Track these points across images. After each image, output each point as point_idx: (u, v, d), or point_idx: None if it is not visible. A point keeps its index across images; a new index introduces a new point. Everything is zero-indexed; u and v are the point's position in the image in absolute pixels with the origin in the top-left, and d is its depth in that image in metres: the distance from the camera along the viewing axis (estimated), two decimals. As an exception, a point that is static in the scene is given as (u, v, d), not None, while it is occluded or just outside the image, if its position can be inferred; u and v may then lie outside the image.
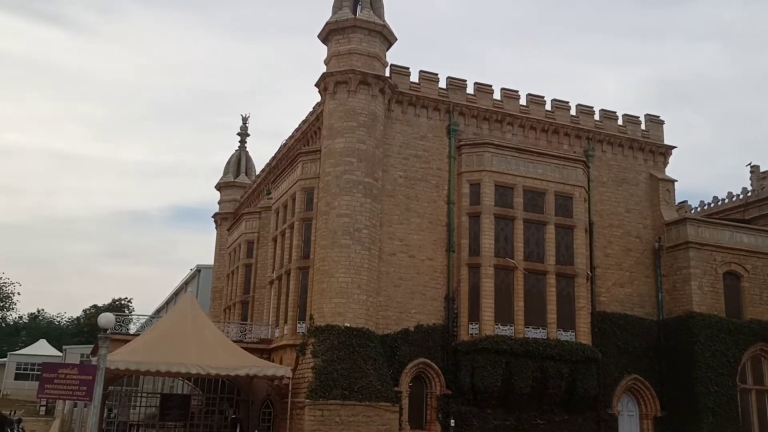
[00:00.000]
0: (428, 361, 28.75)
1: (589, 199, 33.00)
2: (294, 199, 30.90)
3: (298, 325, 29.06)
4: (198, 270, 55.28)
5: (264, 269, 35.91)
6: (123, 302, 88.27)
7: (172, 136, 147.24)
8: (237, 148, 50.81)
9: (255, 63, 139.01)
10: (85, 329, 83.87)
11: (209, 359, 25.71)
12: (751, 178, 43.29)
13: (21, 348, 73.88)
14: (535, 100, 33.41)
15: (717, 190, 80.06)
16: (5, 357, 68.10)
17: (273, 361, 29.41)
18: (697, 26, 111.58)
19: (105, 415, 30.90)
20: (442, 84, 31.88)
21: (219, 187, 50.29)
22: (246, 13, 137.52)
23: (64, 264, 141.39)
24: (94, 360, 25.56)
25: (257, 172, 46.68)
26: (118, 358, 24.96)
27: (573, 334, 30.25)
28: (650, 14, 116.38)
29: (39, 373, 19.64)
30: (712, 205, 42.70)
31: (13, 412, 39.23)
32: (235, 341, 29.18)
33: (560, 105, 33.87)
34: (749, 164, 44.06)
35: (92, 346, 39.24)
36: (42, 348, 68.95)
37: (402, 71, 31.31)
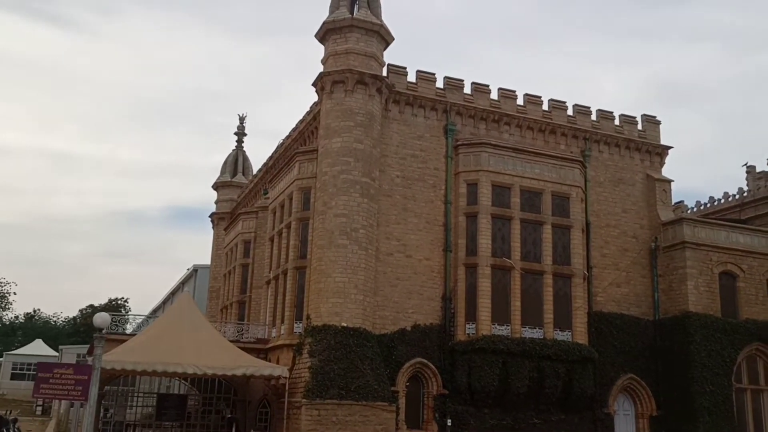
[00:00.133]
0: (425, 361, 28.76)
1: (586, 199, 33.05)
2: (291, 199, 30.89)
3: (295, 324, 29.07)
4: (195, 270, 55.18)
5: (261, 269, 35.90)
6: (119, 302, 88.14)
7: (170, 136, 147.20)
8: (234, 148, 50.80)
9: (253, 63, 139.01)
10: (82, 329, 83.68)
11: (206, 359, 25.69)
12: (747, 179, 43.43)
13: (17, 348, 73.77)
14: (532, 100, 33.45)
15: (715, 191, 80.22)
16: (1, 357, 67.98)
17: (270, 361, 29.41)
18: (696, 26, 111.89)
19: (101, 415, 30.82)
20: (440, 84, 31.91)
21: (216, 186, 50.26)
22: (244, 13, 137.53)
23: (61, 264, 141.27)
24: (90, 360, 25.52)
25: (254, 172, 46.66)
26: (114, 357, 24.94)
27: (570, 333, 30.30)
28: (649, 14, 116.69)
29: (35, 372, 19.58)
30: (709, 205, 42.81)
31: (8, 412, 39.15)
32: (231, 341, 29.17)
33: (557, 105, 33.91)
34: (745, 164, 44.23)
35: (88, 346, 39.15)
36: (38, 348, 68.85)
37: (399, 71, 31.33)
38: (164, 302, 67.82)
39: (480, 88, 32.52)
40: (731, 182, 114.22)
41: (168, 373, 26.34)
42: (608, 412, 31.21)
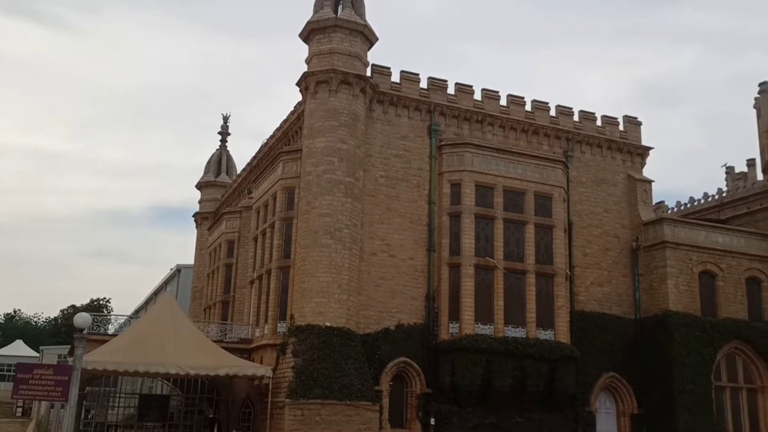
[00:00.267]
0: (409, 360, 28.85)
1: (569, 199, 33.30)
2: (275, 199, 30.85)
3: (279, 324, 29.02)
4: (178, 270, 54.90)
5: (244, 269, 35.81)
6: (101, 302, 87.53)
7: (154, 135, 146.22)
8: (218, 148, 50.62)
9: (238, 62, 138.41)
10: (63, 329, 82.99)
11: (189, 359, 25.57)
12: (726, 179, 44.04)
13: (-3, 349, 72.99)
14: (516, 100, 33.65)
15: (697, 191, 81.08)
16: (-19, 358, 67.26)
17: (253, 361, 29.33)
18: (682, 29, 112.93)
19: (82, 416, 30.60)
20: (423, 84, 32.01)
21: (199, 186, 50.04)
22: (230, 13, 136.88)
23: (43, 263, 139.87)
24: (70, 360, 25.32)
25: (238, 172, 46.55)
26: (96, 358, 24.75)
27: (552, 332, 30.52)
28: (636, 16, 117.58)
29: (15, 374, 19.41)
30: (689, 205, 43.31)
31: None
32: (215, 341, 29.05)
33: (540, 106, 34.14)
34: (725, 165, 44.86)
35: (70, 346, 38.81)
36: (18, 348, 68.23)
37: (383, 71, 31.39)
38: (147, 302, 67.39)
39: (463, 89, 32.67)
40: (713, 183, 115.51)
41: (150, 373, 26.19)
42: (590, 411, 31.48)
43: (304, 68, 30.29)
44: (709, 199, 41.98)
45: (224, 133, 50.27)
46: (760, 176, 39.57)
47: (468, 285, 29.63)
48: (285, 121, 35.59)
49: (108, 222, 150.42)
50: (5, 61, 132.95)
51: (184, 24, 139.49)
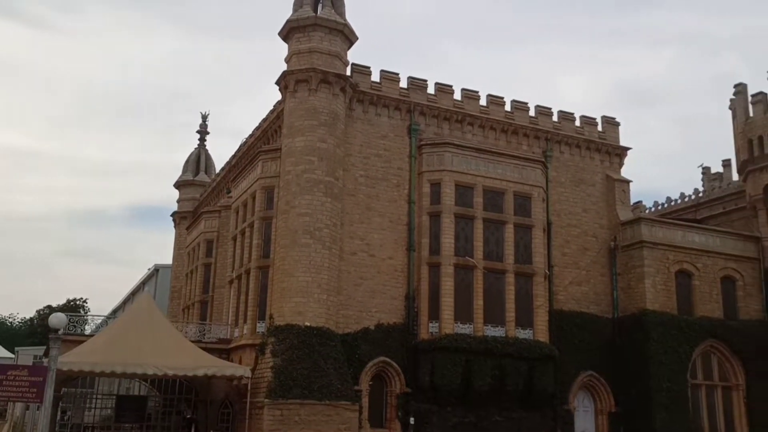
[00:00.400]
0: (388, 360, 28.85)
1: (548, 199, 33.50)
2: (254, 198, 30.69)
3: (258, 324, 28.89)
4: (156, 269, 54.47)
5: (223, 268, 35.60)
6: (78, 302, 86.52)
7: (132, 134, 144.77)
8: (196, 147, 50.28)
9: (217, 61, 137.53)
10: (39, 330, 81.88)
11: (166, 359, 25.36)
12: (702, 180, 44.61)
13: (-29, 350, 71.79)
14: (495, 100, 33.78)
15: (674, 191, 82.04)
16: (-46, 359, 66.07)
17: (232, 361, 29.18)
18: (658, 30, 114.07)
19: (58, 417, 30.24)
20: (403, 84, 32.03)
21: (178, 185, 49.66)
22: (208, 12, 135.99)
23: (19, 263, 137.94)
24: (46, 361, 25.01)
25: (217, 171, 46.25)
26: (72, 359, 24.48)
27: (531, 332, 30.68)
28: (613, 18, 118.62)
29: (-11, 375, 19.11)
30: (666, 205, 43.85)
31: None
32: (193, 341, 28.83)
33: (519, 106, 34.30)
34: (701, 166, 45.45)
35: (45, 347, 38.33)
36: (-8, 350, 67.18)
37: (363, 70, 31.35)
38: (125, 302, 66.80)
39: (443, 89, 32.73)
40: (689, 183, 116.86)
41: (127, 374, 25.94)
42: (568, 409, 31.70)
43: (284, 67, 30.18)
44: (686, 200, 42.53)
45: (203, 132, 49.95)
46: (735, 177, 40.12)
47: (448, 284, 29.69)
48: (264, 120, 35.42)
49: (85, 221, 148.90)
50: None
51: (163, 23, 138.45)
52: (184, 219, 47.68)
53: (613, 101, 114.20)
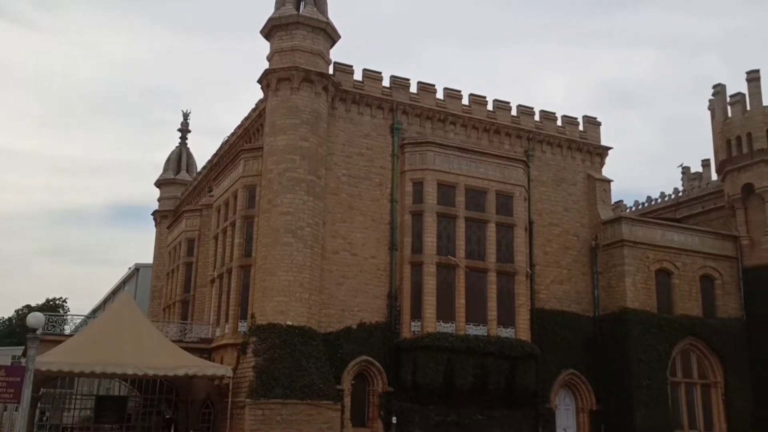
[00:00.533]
0: (370, 359, 28.84)
1: (529, 198, 33.66)
2: (236, 197, 30.55)
3: (240, 324, 28.76)
4: (137, 269, 54.04)
5: (205, 268, 35.40)
6: (58, 302, 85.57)
7: (113, 132, 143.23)
8: (178, 145, 49.97)
9: (199, 59, 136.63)
10: (17, 330, 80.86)
11: (147, 359, 25.20)
12: (682, 179, 45.08)
13: (-52, 350, 70.78)
14: (477, 100, 33.88)
15: (654, 191, 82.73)
16: (-70, 360, 65.10)
17: (214, 361, 29.03)
18: (640, 31, 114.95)
19: (37, 418, 29.92)
20: (386, 83, 32.03)
21: (159, 184, 49.31)
22: (191, 10, 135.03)
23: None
24: (24, 361, 24.73)
25: (198, 169, 45.99)
26: (51, 359, 24.24)
27: (513, 330, 30.81)
28: (596, 19, 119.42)
29: (-34, 375, 18.87)
30: (646, 204, 44.24)
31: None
32: (174, 341, 28.66)
33: (501, 105, 34.43)
34: (680, 165, 45.92)
35: (24, 347, 37.89)
36: (-30, 350, 66.29)
37: (345, 69, 31.31)
38: (105, 302, 66.20)
39: (426, 88, 32.77)
40: (669, 183, 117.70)
41: (107, 374, 25.72)
42: (550, 407, 31.88)
43: (266, 65, 30.05)
44: (666, 199, 42.95)
45: (184, 130, 49.65)
46: (714, 176, 40.55)
47: (430, 283, 29.74)
48: (246, 119, 35.26)
49: (65, 220, 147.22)
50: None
51: (145, 21, 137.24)
52: (165, 218, 47.35)
53: (596, 102, 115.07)
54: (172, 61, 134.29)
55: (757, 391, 34.48)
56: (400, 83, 32.21)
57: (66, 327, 33.67)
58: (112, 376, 28.01)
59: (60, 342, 27.25)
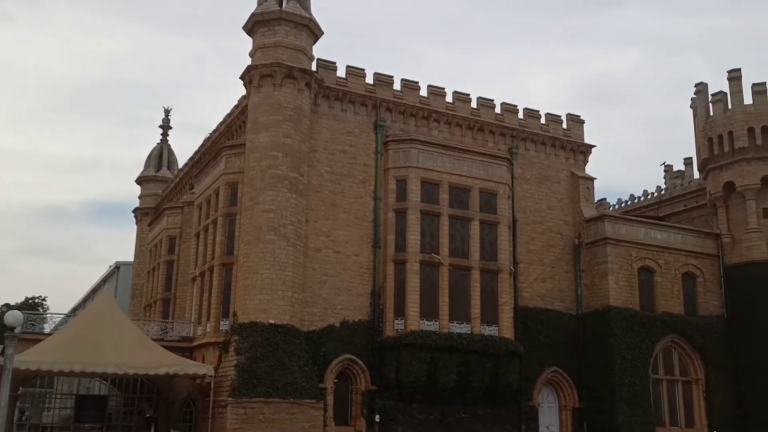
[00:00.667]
0: (353, 357, 28.71)
1: (513, 195, 33.66)
2: (217, 194, 30.28)
3: (222, 322, 28.52)
4: (117, 267, 53.53)
5: (186, 266, 35.09)
6: (37, 300, 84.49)
7: (93, 129, 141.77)
8: (159, 142, 49.50)
9: (180, 55, 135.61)
10: (-4, 329, 79.88)
11: (127, 358, 24.93)
12: (665, 177, 45.34)
13: (-76, 350, 69.76)
14: (461, 97, 33.82)
15: (637, 189, 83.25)
16: None
17: (195, 360, 28.79)
18: (622, 30, 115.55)
19: (16, 417, 29.49)
20: (369, 79, 31.86)
21: (139, 181, 48.84)
22: (172, 5, 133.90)
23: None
24: (2, 360, 24.37)
25: (180, 166, 45.58)
26: (30, 357, 23.93)
27: (496, 328, 30.82)
28: (577, 18, 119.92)
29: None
30: (629, 202, 44.47)
31: None
32: (155, 340, 28.39)
33: (485, 103, 34.39)
34: (663, 164, 46.17)
35: (2, 346, 37.39)
36: (-52, 349, 65.35)
37: (329, 66, 31.11)
38: (85, 300, 65.60)
39: (409, 85, 32.65)
40: (652, 181, 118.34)
41: (87, 373, 25.43)
42: (533, 405, 31.93)
43: (249, 62, 29.78)
44: (649, 197, 43.20)
45: (165, 126, 49.20)
46: (696, 175, 40.84)
47: (413, 281, 29.65)
48: (228, 115, 34.95)
49: (44, 218, 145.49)
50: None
51: (126, 17, 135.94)
52: (146, 215, 46.91)
53: (579, 100, 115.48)
54: (153, 56, 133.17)
55: (737, 387, 34.76)
56: (383, 80, 32.06)
57: (45, 325, 33.24)
58: (92, 375, 27.69)
59: (39, 341, 26.92)
